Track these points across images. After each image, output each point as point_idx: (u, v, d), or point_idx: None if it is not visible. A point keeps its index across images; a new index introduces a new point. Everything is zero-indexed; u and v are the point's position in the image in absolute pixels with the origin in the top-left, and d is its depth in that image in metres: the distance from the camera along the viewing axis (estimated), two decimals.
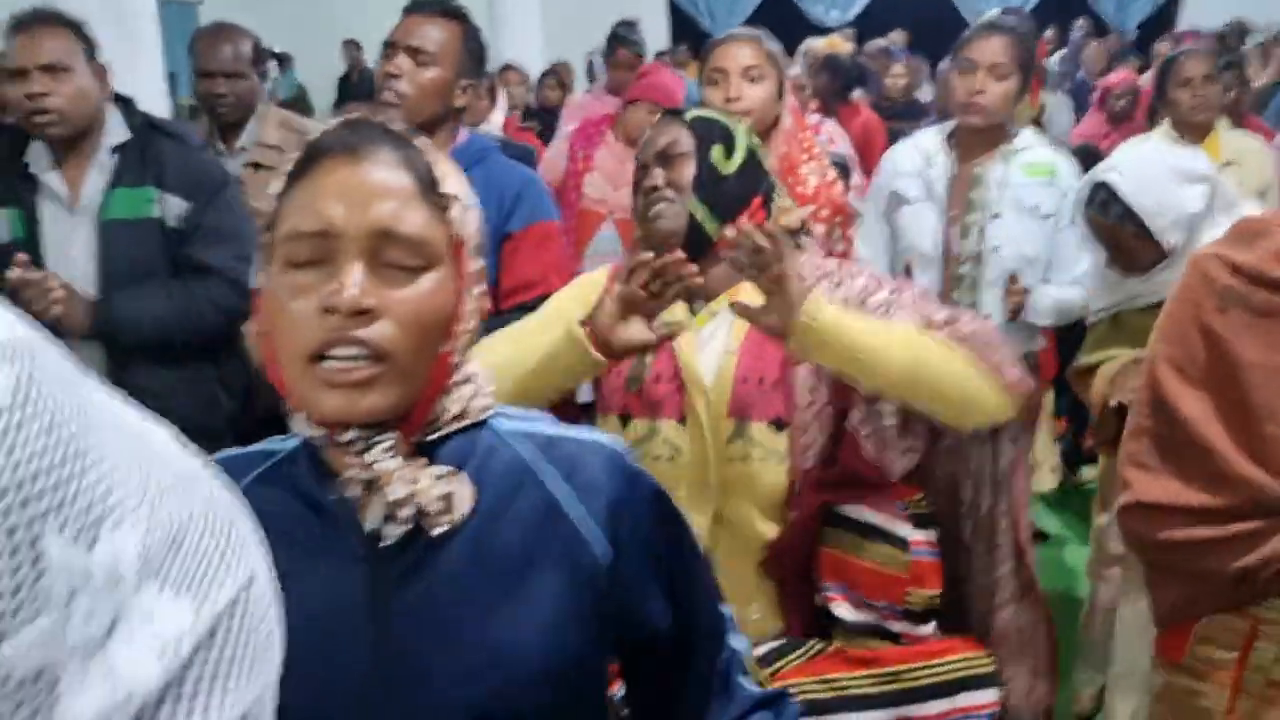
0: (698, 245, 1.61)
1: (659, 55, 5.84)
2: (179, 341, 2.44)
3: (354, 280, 0.87)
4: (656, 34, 12.31)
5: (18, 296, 2.20)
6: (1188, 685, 1.65)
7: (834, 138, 4.90)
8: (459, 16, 2.18)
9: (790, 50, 8.81)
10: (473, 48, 2.18)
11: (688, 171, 1.63)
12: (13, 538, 0.33)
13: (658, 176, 1.64)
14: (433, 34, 2.11)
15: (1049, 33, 9.71)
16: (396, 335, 0.88)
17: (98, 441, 0.37)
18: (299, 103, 9.74)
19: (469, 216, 0.96)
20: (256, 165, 2.96)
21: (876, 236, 2.89)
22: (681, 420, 1.64)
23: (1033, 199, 2.68)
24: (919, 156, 2.82)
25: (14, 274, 2.23)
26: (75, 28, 2.41)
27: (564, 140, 3.70)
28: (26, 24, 2.37)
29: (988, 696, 1.62)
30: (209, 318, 2.46)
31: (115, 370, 2.40)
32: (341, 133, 0.93)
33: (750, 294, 1.57)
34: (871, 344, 1.49)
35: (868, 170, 3.60)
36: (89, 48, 2.42)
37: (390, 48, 2.13)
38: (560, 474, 0.99)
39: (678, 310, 1.63)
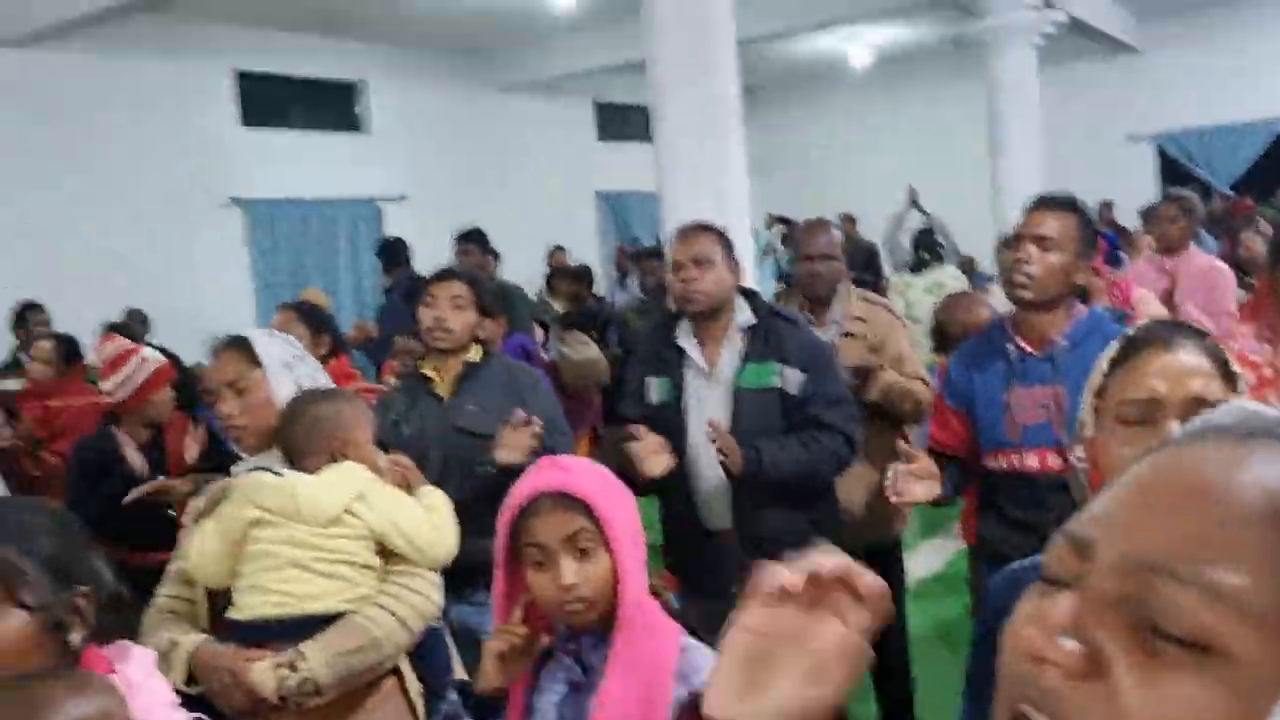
0: None
1: (1149, 213, 5.89)
2: (802, 486, 2.92)
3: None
4: (1144, 183, 12.16)
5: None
6: None
7: None
8: (1075, 207, 2.58)
9: None
10: (1086, 233, 2.57)
11: None
12: None
13: None
14: (1054, 224, 2.53)
15: None
16: None
17: None
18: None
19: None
20: (848, 334, 3.53)
21: None
22: None
23: None
24: None
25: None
26: (721, 234, 3.06)
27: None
28: (687, 230, 3.08)
29: None
30: (829, 467, 2.97)
31: (742, 512, 2.91)
32: (1156, 329, 1.42)
33: None
34: None
35: None
36: (728, 248, 3.04)
37: (1017, 239, 2.57)
38: None
39: None
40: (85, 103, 8.22)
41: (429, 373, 3.16)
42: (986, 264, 8.65)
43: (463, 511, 2.96)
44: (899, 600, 3.69)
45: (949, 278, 6.79)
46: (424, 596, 2.28)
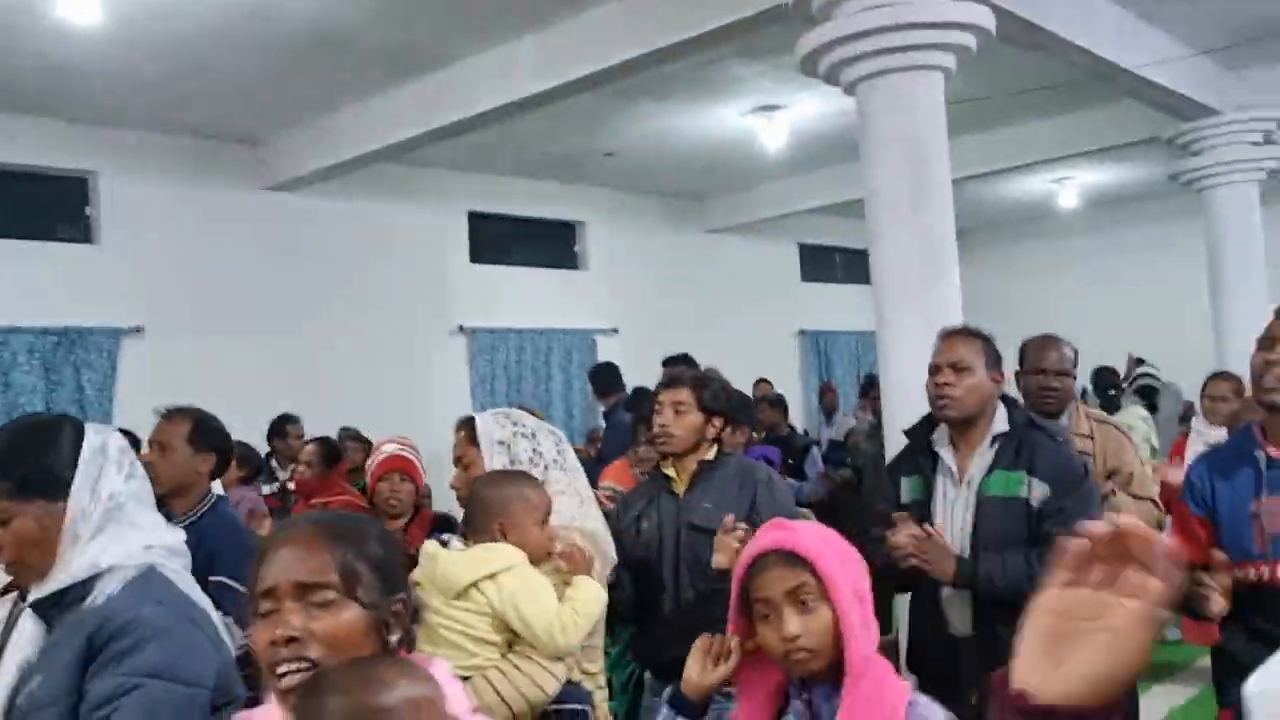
0: None
1: None
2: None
3: None
4: None
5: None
6: None
7: None
8: None
9: None
10: None
11: None
12: None
13: None
14: None
15: None
16: None
17: None
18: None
19: None
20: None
21: None
22: None
23: None
24: None
25: (911, 530, 2.90)
26: (986, 340, 3.07)
27: None
28: (949, 334, 3.11)
29: None
30: None
31: (981, 621, 2.90)
32: None
33: None
34: None
35: None
36: (992, 355, 3.04)
37: (1270, 341, 2.57)
38: None
39: None
40: (333, 240, 9.03)
41: (669, 471, 3.33)
42: None
43: (696, 604, 3.09)
44: None
45: (1135, 418, 6.74)
46: (531, 680, 2.41)
